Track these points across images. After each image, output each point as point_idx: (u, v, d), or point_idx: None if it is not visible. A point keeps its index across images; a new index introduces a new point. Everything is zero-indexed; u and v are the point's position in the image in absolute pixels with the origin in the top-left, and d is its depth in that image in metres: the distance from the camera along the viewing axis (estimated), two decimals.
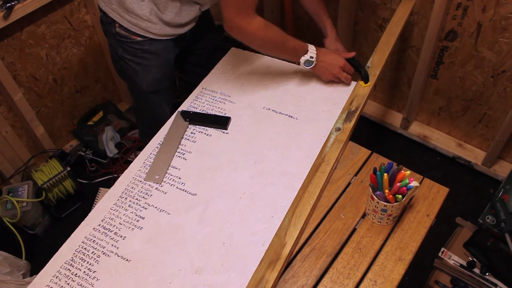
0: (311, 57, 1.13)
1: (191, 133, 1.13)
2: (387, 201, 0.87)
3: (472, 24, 1.45)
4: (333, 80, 1.19)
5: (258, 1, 1.03)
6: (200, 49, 1.44)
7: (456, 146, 1.83)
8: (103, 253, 0.91)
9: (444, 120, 1.82)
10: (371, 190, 0.89)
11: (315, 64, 1.15)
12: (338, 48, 1.32)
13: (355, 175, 1.03)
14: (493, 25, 1.40)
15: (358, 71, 1.19)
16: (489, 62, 1.50)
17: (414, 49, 1.68)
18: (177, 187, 1.01)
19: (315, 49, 1.14)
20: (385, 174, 0.87)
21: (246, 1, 1.01)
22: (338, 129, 1.07)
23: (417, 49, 1.67)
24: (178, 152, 1.09)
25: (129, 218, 0.97)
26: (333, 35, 1.33)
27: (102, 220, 0.97)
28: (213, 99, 1.21)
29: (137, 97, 1.38)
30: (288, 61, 1.25)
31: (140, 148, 1.60)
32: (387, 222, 0.93)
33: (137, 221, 0.96)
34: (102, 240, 0.93)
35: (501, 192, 1.45)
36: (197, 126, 1.14)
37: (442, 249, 1.35)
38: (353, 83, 1.19)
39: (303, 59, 1.13)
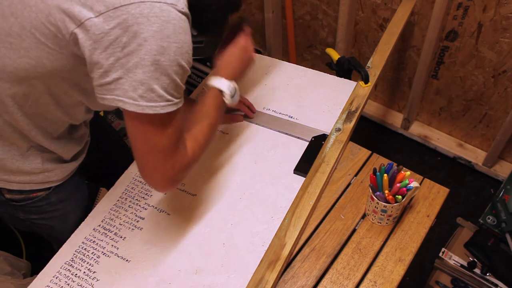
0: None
1: None
2: (387, 201, 0.87)
3: (472, 24, 1.44)
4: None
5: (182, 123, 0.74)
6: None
7: (457, 146, 1.83)
8: (103, 254, 0.91)
9: (444, 120, 1.82)
10: (371, 190, 0.89)
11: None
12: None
13: (355, 175, 1.03)
14: (493, 25, 1.40)
15: (358, 71, 1.18)
16: (490, 62, 1.50)
17: (415, 49, 1.68)
18: (176, 188, 1.01)
19: (216, 76, 0.87)
20: (385, 175, 0.87)
21: (173, 137, 0.72)
22: (338, 130, 1.07)
23: (417, 49, 1.66)
24: None
25: (129, 218, 0.97)
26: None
27: (102, 221, 0.97)
28: None
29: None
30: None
31: None
32: (387, 223, 0.93)
33: (137, 221, 0.96)
34: (102, 240, 0.93)
35: (501, 192, 1.45)
36: None
37: (443, 249, 1.35)
38: (354, 83, 1.19)
39: (226, 92, 0.86)
